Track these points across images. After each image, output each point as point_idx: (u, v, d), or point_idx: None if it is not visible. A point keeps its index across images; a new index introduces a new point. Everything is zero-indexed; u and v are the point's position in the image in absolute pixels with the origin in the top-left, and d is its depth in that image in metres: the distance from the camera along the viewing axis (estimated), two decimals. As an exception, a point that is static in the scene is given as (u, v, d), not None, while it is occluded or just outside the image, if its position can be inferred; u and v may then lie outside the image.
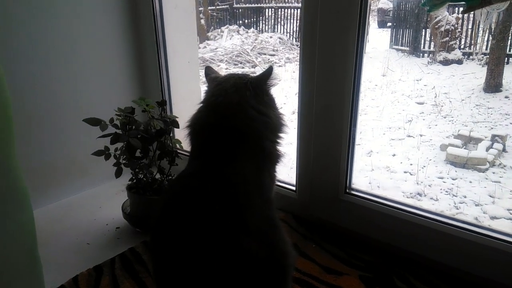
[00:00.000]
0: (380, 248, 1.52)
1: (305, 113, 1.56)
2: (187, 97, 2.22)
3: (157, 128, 1.53)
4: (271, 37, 9.51)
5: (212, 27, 10.13)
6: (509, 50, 6.84)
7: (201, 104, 1.13)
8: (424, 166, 3.87)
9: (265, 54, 8.49)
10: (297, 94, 1.57)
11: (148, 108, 1.59)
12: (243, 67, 7.72)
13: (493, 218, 3.03)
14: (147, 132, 1.55)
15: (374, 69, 7.09)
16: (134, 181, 1.68)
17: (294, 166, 1.77)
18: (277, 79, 1.11)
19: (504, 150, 4.01)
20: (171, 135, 1.66)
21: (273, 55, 8.45)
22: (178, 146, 1.70)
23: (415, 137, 4.51)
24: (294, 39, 9.71)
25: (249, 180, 0.95)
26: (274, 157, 1.07)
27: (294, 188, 1.77)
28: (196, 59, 2.28)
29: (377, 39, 9.14)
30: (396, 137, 4.59)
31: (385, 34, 9.28)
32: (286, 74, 7.20)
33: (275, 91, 1.20)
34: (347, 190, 1.57)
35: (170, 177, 1.69)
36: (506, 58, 6.28)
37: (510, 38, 6.31)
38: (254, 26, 10.31)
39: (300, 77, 1.57)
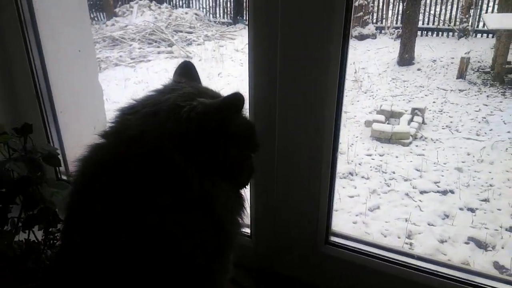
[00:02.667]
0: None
1: (261, 126, 0.99)
2: (83, 104, 1.46)
3: (20, 173, 0.97)
4: (186, 13, 8.97)
5: (120, 2, 9.27)
6: (422, 24, 7.23)
7: (101, 135, 0.69)
8: (352, 144, 3.87)
9: (181, 31, 7.97)
10: (248, 100, 0.98)
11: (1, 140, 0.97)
12: (158, 46, 7.16)
13: (422, 192, 3.11)
14: (2, 182, 0.99)
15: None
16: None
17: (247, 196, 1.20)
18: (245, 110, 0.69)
19: (423, 122, 4.17)
20: (44, 181, 1.03)
21: (191, 32, 7.96)
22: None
23: (341, 114, 4.52)
24: (211, 15, 9.28)
25: None
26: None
27: (248, 232, 1.17)
28: (91, 46, 1.55)
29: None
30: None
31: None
32: (206, 53, 6.82)
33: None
34: (329, 239, 1.09)
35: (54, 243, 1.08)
36: (419, 32, 6.61)
37: (421, 12, 6.63)
38: (167, 0, 9.65)
39: (251, 72, 0.95)
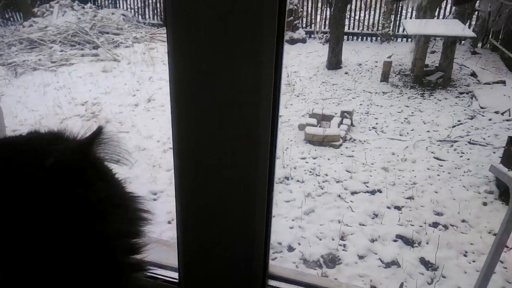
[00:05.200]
0: None
1: (183, 147, 0.83)
2: None
3: None
4: (113, 13, 8.54)
5: (39, 2, 8.59)
6: (348, 28, 7.56)
7: None
8: (287, 148, 3.92)
9: (108, 33, 7.57)
10: (171, 118, 0.82)
11: None
12: (82, 49, 6.73)
13: (353, 193, 3.23)
14: None
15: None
16: None
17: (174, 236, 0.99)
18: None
19: (352, 124, 4.35)
20: None
21: (118, 34, 7.60)
22: None
23: (275, 118, 4.56)
24: (139, 16, 8.94)
25: None
26: None
27: (176, 278, 0.96)
28: None
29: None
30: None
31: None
32: (136, 56, 6.55)
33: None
34: (267, 283, 0.95)
35: None
36: (345, 37, 6.90)
37: (347, 17, 6.93)
38: (91, 0, 9.12)
39: (172, 83, 0.78)
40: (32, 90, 5.22)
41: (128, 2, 9.26)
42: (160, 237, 2.66)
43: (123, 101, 4.96)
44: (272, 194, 0.85)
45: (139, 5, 9.08)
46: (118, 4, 9.31)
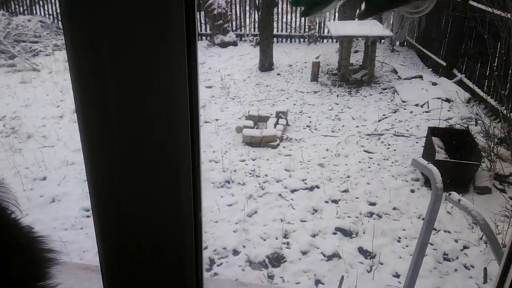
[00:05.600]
0: None
1: (98, 160, 0.72)
2: None
3: None
4: (29, 20, 7.94)
5: None
6: (277, 31, 7.73)
7: None
8: (226, 152, 3.92)
9: (24, 41, 7.02)
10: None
11: None
12: (-4, 59, 6.17)
13: (293, 191, 3.31)
14: None
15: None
16: None
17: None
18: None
19: (287, 124, 4.46)
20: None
21: (36, 42, 7.08)
22: None
23: (211, 122, 4.54)
24: (59, 22, 8.41)
25: None
26: None
27: None
28: None
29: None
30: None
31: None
32: (58, 64, 6.15)
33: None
34: None
35: None
36: (275, 39, 7.06)
37: (275, 19, 7.09)
38: (4, 7, 8.41)
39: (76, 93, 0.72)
40: None
41: (46, 8, 8.68)
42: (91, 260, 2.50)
43: (46, 113, 4.63)
44: (200, 200, 0.82)
45: (58, 11, 8.52)
46: (34, 10, 8.68)
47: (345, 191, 3.28)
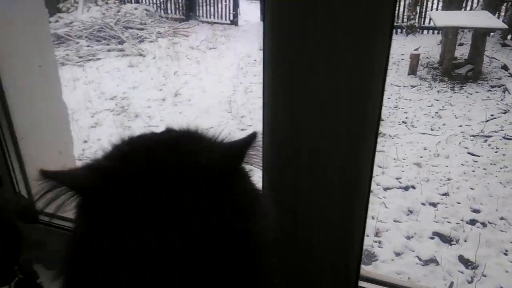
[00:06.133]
0: None
1: (274, 140, 0.85)
2: (47, 127, 1.33)
3: None
4: (136, 8, 8.60)
5: (63, -3, 8.71)
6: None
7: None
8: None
9: (132, 28, 7.63)
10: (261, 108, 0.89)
11: None
12: (108, 44, 6.80)
13: (386, 189, 3.19)
14: None
15: (250, 42, 6.95)
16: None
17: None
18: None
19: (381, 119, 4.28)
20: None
21: (142, 29, 7.65)
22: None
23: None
24: (162, 11, 8.98)
25: None
26: None
27: None
28: (53, 60, 1.39)
29: (246, 12, 9.02)
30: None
31: (254, 7, 9.22)
32: (160, 51, 6.59)
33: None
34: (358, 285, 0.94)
35: None
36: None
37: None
38: (114, -5, 9.20)
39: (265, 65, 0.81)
40: (62, 84, 5.31)
41: (151, -3, 9.31)
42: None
43: (150, 96, 5.01)
44: (369, 194, 0.89)
45: (161, 0, 9.11)
46: (140, -1, 9.37)
47: (445, 194, 3.08)
